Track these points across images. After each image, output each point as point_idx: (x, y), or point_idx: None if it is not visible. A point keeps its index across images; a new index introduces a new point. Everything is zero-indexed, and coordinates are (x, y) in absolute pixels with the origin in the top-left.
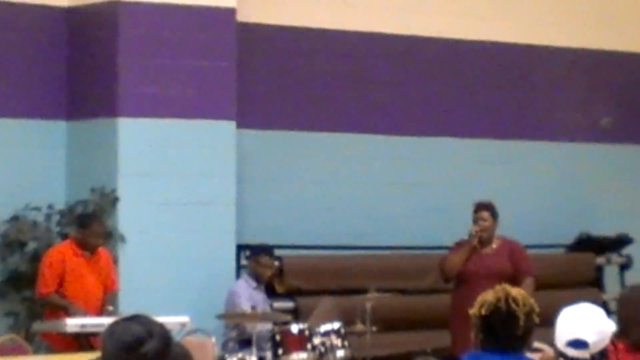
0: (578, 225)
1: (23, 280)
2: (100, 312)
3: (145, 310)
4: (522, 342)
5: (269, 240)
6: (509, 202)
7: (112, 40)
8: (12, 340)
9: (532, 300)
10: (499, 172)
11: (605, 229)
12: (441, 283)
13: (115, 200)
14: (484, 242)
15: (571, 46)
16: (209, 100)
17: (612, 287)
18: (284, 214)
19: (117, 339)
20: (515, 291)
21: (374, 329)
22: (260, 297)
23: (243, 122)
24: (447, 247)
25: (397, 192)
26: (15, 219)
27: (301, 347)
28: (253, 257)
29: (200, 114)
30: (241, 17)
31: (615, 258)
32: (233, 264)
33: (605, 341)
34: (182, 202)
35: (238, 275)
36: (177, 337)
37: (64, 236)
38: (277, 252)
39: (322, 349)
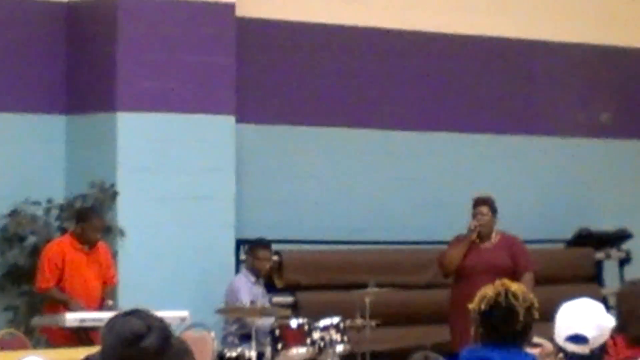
0: (577, 221)
1: (22, 275)
2: (100, 306)
3: (144, 305)
4: (521, 337)
5: (269, 234)
6: (508, 197)
7: (111, 35)
8: (11, 334)
9: (531, 296)
10: (498, 167)
11: (604, 224)
12: (440, 278)
13: (114, 194)
14: (483, 236)
15: (571, 41)
16: (208, 95)
17: (611, 282)
18: (284, 209)
19: (116, 334)
20: (515, 286)
21: (373, 323)
22: (259, 291)
23: (242, 117)
24: (446, 242)
25: (397, 187)
26: (14, 213)
27: (300, 342)
28: (250, 251)
29: (200, 109)
30: (240, 12)
31: (614, 253)
32: (232, 258)
33: (605, 336)
34: (181, 196)
35: (237, 270)
36: (176, 331)
37: (63, 230)
38: (277, 246)
39: (322, 344)
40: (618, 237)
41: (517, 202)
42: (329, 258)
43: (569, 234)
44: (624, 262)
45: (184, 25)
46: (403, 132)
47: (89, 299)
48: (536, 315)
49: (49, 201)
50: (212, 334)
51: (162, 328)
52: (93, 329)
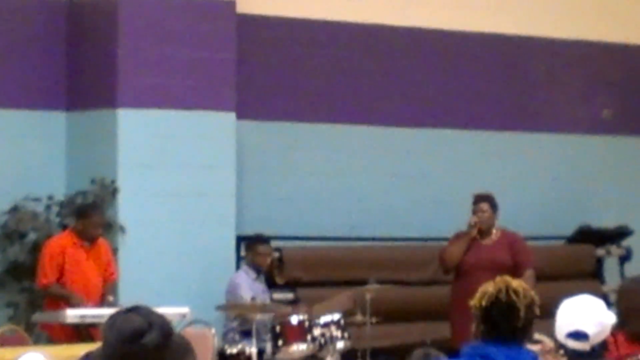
0: (578, 217)
1: (23, 271)
2: (101, 302)
3: (145, 301)
4: (522, 333)
5: (269, 231)
6: (509, 193)
7: (112, 31)
8: (11, 331)
9: (532, 292)
10: (499, 163)
11: (605, 221)
12: (441, 274)
13: (115, 191)
14: (484, 233)
15: (571, 38)
16: (209, 92)
17: (612, 278)
18: (284, 205)
19: (117, 331)
20: (515, 283)
21: (374, 320)
22: (260, 288)
23: (243, 114)
24: (447, 239)
25: (397, 183)
26: (15, 209)
27: (301, 339)
28: (250, 247)
29: (200, 105)
30: (241, 8)
31: (615, 250)
32: (233, 255)
33: (606, 333)
34: (181, 193)
35: (238, 267)
36: (177, 328)
37: (64, 227)
38: (277, 243)
39: (322, 340)
40: (619, 234)
41: (517, 199)
42: (329, 254)
43: (569, 231)
44: (624, 258)
45: (185, 22)
46: (403, 129)
47: (90, 296)
48: (537, 311)
49: (50, 198)
50: (213, 330)
51: (163, 325)
52: (93, 325)
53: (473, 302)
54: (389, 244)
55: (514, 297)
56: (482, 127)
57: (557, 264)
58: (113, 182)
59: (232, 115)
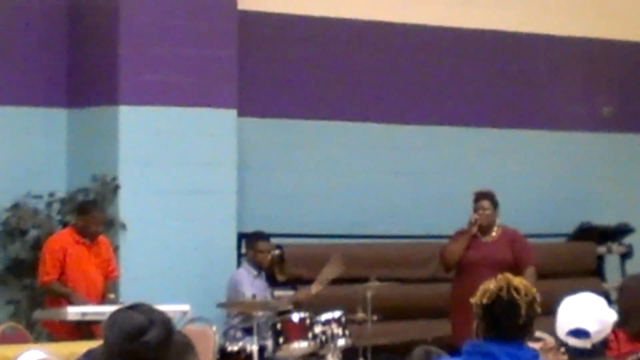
0: (579, 215)
1: (24, 268)
2: (102, 300)
3: (146, 299)
4: (523, 331)
5: (270, 228)
6: (510, 191)
7: (113, 28)
8: (13, 328)
9: (533, 290)
10: (500, 161)
11: (606, 218)
12: (442, 272)
13: (116, 188)
14: (485, 231)
15: (572, 35)
16: (210, 89)
17: (613, 276)
18: (285, 203)
19: (118, 328)
20: (517, 280)
21: (375, 317)
22: (261, 285)
23: (244, 111)
24: (447, 236)
25: (398, 180)
26: (16, 206)
27: (302, 336)
28: (250, 244)
29: (201, 102)
30: (242, 5)
31: (616, 247)
32: (234, 252)
33: (607, 330)
34: (183, 190)
35: (239, 264)
36: (178, 325)
37: (65, 224)
38: (278, 240)
39: (323, 338)
40: (620, 232)
41: (518, 196)
42: (330, 252)
43: (570, 228)
44: (625, 256)
45: (186, 19)
46: (404, 126)
47: (91, 293)
48: (538, 309)
49: (51, 195)
50: (214, 328)
51: (165, 322)
52: (95, 322)
53: (474, 299)
54: (390, 241)
55: (515, 294)
56: (482, 124)
57: (558, 261)
58: (114, 179)
59: (233, 112)
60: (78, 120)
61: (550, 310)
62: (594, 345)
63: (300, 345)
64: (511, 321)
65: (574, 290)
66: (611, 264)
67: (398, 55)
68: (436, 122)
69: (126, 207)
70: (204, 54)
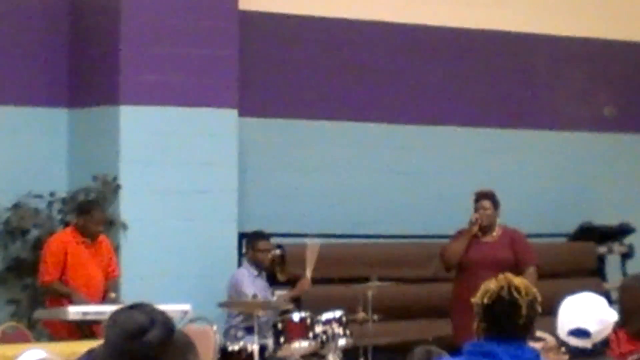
0: (580, 215)
1: (25, 268)
2: (102, 299)
3: (146, 299)
4: (524, 331)
5: (271, 228)
6: (510, 191)
7: (114, 28)
8: (13, 328)
9: (534, 290)
10: (500, 161)
11: (607, 218)
12: (443, 272)
13: (117, 188)
14: (485, 230)
15: (573, 35)
16: (211, 88)
17: (613, 276)
18: (286, 202)
19: (119, 328)
20: (517, 280)
21: (376, 317)
22: (261, 284)
23: (245, 110)
24: (448, 236)
25: (399, 180)
26: (17, 206)
27: (303, 336)
28: (250, 244)
29: (202, 102)
30: (243, 5)
31: (617, 247)
32: (235, 252)
33: (607, 330)
34: (183, 190)
35: (240, 264)
36: (178, 325)
37: (66, 224)
38: (279, 240)
39: (324, 338)
40: (620, 232)
41: (519, 196)
42: (331, 252)
43: (571, 228)
44: (626, 256)
45: (187, 19)
46: (406, 126)
47: (91, 292)
48: (539, 309)
49: (52, 194)
50: (215, 327)
51: (166, 322)
52: (95, 322)
53: (475, 299)
54: (391, 241)
55: (516, 294)
56: (483, 124)
57: (559, 261)
58: (115, 179)
59: (234, 112)
60: (79, 120)
61: (551, 310)
62: (594, 345)
63: (301, 345)
64: (512, 321)
65: (574, 290)
66: (612, 264)
67: (398, 55)
68: (436, 122)
69: (127, 206)
70: (204, 54)
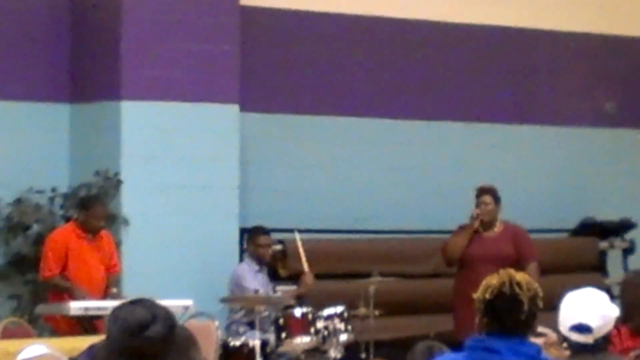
0: (581, 210)
1: (26, 263)
2: (104, 294)
3: (148, 294)
4: (526, 326)
5: (272, 224)
6: (512, 186)
7: (115, 24)
8: (15, 323)
9: (536, 285)
10: (502, 156)
11: (608, 214)
12: (444, 267)
13: (118, 183)
14: (487, 226)
15: (575, 30)
16: (212, 84)
17: (615, 271)
18: (287, 198)
19: (121, 323)
20: (519, 276)
21: (377, 313)
22: (263, 280)
23: (246, 106)
24: (450, 232)
25: (400, 176)
26: (18, 201)
27: (304, 331)
28: (250, 239)
29: (204, 98)
30: (244, 0)
31: (618, 243)
32: (236, 247)
33: (609, 326)
34: (185, 185)
35: (241, 259)
36: (180, 320)
37: (67, 219)
38: (280, 236)
39: (325, 333)
40: (622, 227)
41: (521, 192)
42: (332, 247)
43: (573, 224)
44: (627, 251)
45: (188, 14)
46: (407, 122)
47: (93, 288)
48: (540, 304)
49: (53, 190)
50: (216, 322)
51: (167, 317)
52: (97, 317)
53: (476, 294)
54: (392, 236)
55: (517, 289)
56: (484, 119)
57: (561, 256)
58: (116, 174)
59: (235, 108)
60: (80, 115)
61: (552, 306)
62: (596, 340)
63: (303, 340)
64: (513, 316)
65: (576, 286)
66: (613, 259)
67: (400, 50)
68: (438, 118)
69: (128, 202)
70: (206, 50)
